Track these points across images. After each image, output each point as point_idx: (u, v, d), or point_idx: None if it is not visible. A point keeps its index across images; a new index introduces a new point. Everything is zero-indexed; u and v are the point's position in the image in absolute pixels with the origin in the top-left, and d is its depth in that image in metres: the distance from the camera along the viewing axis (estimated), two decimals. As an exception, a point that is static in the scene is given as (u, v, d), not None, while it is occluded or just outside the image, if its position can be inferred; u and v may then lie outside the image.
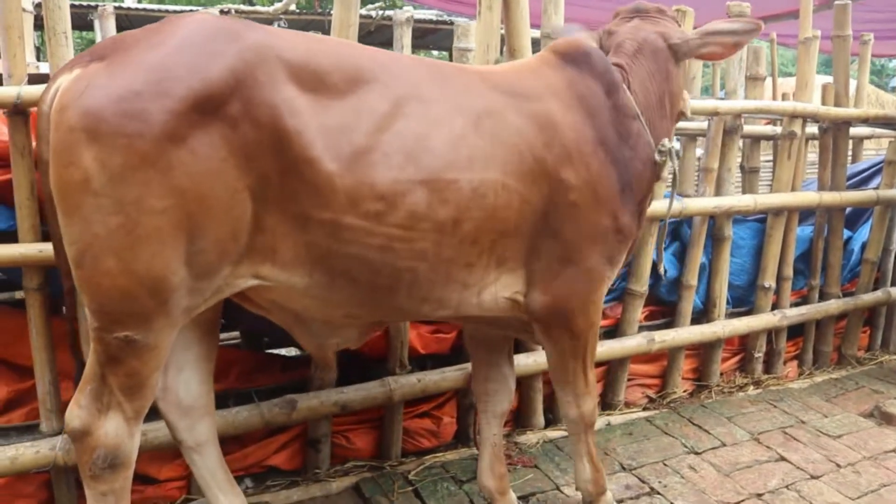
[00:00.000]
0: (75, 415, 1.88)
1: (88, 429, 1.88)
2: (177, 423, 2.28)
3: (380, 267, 1.99)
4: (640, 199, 2.44)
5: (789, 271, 4.20)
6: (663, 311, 3.96)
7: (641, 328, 3.79)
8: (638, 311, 3.69)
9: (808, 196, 4.10)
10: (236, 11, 10.09)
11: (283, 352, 3.48)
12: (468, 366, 3.21)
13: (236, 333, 3.55)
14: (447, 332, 3.28)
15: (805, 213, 4.37)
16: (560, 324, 2.34)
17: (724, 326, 3.93)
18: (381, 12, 11.04)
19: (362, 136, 1.89)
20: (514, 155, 2.11)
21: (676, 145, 2.55)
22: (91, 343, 1.84)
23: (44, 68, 2.86)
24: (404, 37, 3.26)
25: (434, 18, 11.57)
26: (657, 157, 2.43)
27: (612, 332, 3.70)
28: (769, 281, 4.10)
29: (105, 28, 2.92)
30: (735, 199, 3.82)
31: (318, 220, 1.88)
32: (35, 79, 2.43)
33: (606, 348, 3.57)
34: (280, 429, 3.02)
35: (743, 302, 4.21)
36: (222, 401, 2.91)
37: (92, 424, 1.88)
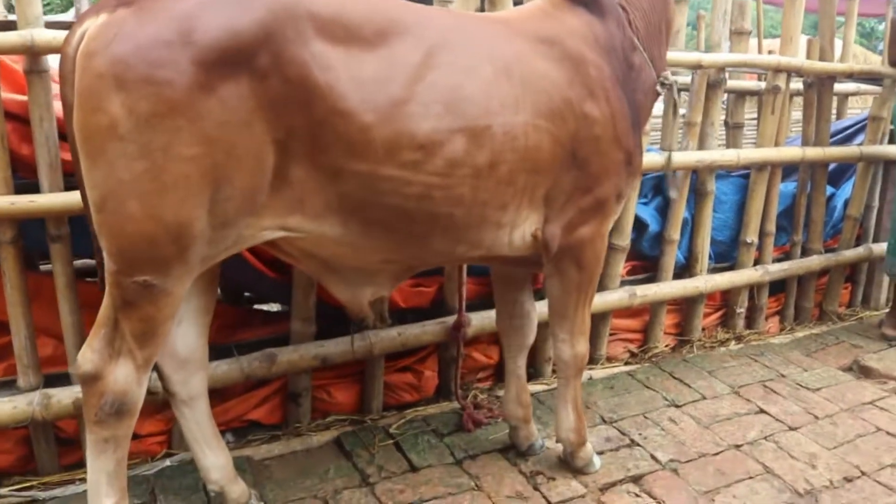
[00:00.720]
0: (87, 358, 1.89)
1: (99, 373, 1.89)
2: (171, 375, 2.27)
3: (416, 214, 2.04)
4: (642, 127, 2.55)
5: (772, 227, 4.20)
6: (645, 265, 3.96)
7: (623, 283, 3.79)
8: (620, 266, 3.69)
9: (792, 151, 4.08)
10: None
11: (264, 308, 3.48)
12: (449, 319, 3.23)
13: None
14: (428, 286, 3.28)
15: (788, 169, 4.36)
16: (570, 256, 2.41)
17: (706, 281, 3.94)
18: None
19: (398, 88, 1.91)
20: (542, 97, 2.17)
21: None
22: (107, 287, 1.85)
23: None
24: None
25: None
26: (658, 88, 2.55)
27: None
28: (752, 237, 4.10)
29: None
30: (718, 154, 3.81)
31: (352, 172, 1.91)
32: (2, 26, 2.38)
33: (588, 302, 3.55)
34: (260, 383, 3.03)
35: (725, 258, 4.21)
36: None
37: (103, 369, 1.89)
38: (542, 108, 2.17)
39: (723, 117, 4.10)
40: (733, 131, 4.16)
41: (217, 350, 2.94)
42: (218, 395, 2.91)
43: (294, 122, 1.82)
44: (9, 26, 2.36)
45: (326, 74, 1.83)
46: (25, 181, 2.53)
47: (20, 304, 2.55)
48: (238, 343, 3.02)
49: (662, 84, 2.54)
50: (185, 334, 2.27)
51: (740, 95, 4.16)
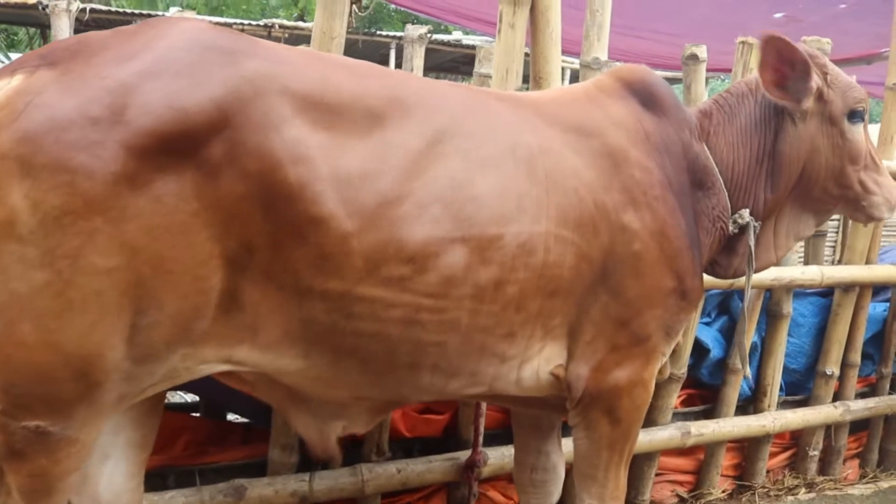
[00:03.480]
0: None
1: None
2: None
3: (399, 343, 1.68)
4: (704, 262, 2.11)
5: (856, 357, 3.58)
6: (703, 394, 3.38)
7: (676, 416, 3.22)
8: (673, 398, 3.13)
9: (887, 270, 3.48)
10: (280, 27, 9.81)
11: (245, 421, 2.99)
12: (461, 455, 2.71)
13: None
14: (439, 414, 2.77)
15: (878, 287, 3.75)
16: (601, 405, 1.97)
17: (774, 419, 3.33)
18: (430, 35, 10.65)
19: (389, 183, 1.58)
20: (571, 201, 1.81)
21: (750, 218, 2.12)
22: None
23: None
24: (415, 58, 2.76)
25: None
26: (730, 226, 2.10)
27: (641, 418, 3.13)
28: (832, 367, 3.48)
29: (57, 29, 2.46)
30: (797, 271, 3.23)
31: (321, 292, 1.56)
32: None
33: (632, 439, 3.00)
34: (227, 519, 2.52)
35: (799, 388, 3.61)
36: (160, 479, 2.45)
37: None
38: (568, 214, 1.79)
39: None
40: (814, 241, 3.57)
41: (179, 474, 2.50)
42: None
43: (251, 232, 1.48)
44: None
45: (299, 169, 1.49)
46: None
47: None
48: (206, 466, 2.54)
49: (734, 222, 2.09)
50: (112, 475, 1.82)
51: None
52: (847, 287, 3.42)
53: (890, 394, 3.77)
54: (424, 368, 1.74)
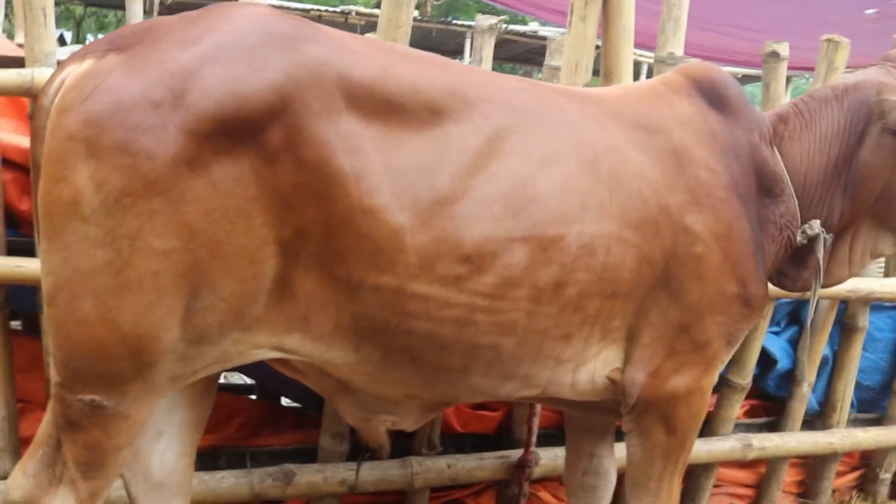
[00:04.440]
0: (18, 484, 1.53)
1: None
2: (140, 498, 1.85)
3: (453, 344, 1.64)
4: (769, 271, 2.02)
5: (934, 376, 3.38)
6: (768, 406, 3.24)
7: (738, 427, 3.09)
8: (735, 408, 3.00)
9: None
10: (357, 14, 9.86)
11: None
12: (513, 454, 2.67)
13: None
14: (494, 410, 2.73)
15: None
16: (657, 412, 1.90)
17: (843, 437, 3.17)
18: (504, 26, 10.58)
19: (446, 180, 1.55)
20: (634, 201, 1.75)
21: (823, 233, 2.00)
22: (50, 401, 1.53)
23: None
24: (485, 48, 2.71)
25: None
26: (798, 236, 1.99)
27: (701, 428, 3.02)
28: (908, 386, 3.30)
29: (131, 13, 2.47)
30: (876, 283, 3.06)
31: (373, 287, 1.54)
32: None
33: (690, 448, 2.91)
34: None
35: (872, 406, 3.42)
36: (211, 459, 2.48)
37: (35, 499, 1.52)
38: (631, 215, 1.73)
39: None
40: (897, 252, 3.40)
41: (230, 455, 2.52)
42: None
43: (306, 220, 1.47)
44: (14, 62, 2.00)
45: (354, 160, 1.48)
46: (24, 238, 2.19)
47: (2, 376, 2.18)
48: (257, 449, 2.56)
49: (803, 232, 1.98)
50: (164, 452, 1.85)
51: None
52: (929, 302, 3.24)
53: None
54: (477, 371, 1.70)
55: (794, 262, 2.07)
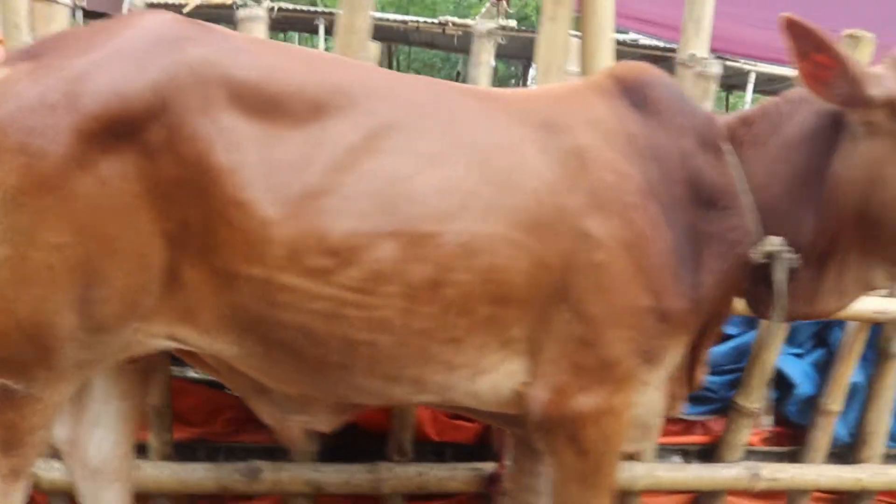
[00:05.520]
0: None
1: None
2: (80, 484, 1.97)
3: (326, 337, 1.63)
4: (712, 291, 1.80)
5: None
6: (792, 434, 2.99)
7: (755, 454, 2.87)
8: (744, 434, 2.77)
9: None
10: (454, 25, 9.97)
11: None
12: (486, 466, 2.57)
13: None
14: (470, 420, 2.64)
15: None
16: (564, 432, 1.78)
17: (874, 473, 2.87)
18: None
19: (317, 175, 1.56)
20: (528, 202, 1.66)
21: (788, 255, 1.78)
22: None
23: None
24: (482, 52, 2.66)
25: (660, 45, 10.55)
26: (754, 254, 1.78)
27: (710, 452, 2.83)
28: (957, 421, 2.96)
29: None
30: (913, 304, 2.76)
31: (246, 278, 1.57)
32: None
33: (693, 473, 2.75)
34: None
35: (917, 442, 3.09)
36: (190, 451, 2.55)
37: None
38: (522, 216, 1.64)
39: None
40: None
41: (210, 449, 2.61)
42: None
43: (188, 213, 1.53)
44: None
45: (231, 156, 1.52)
46: None
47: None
48: (237, 445, 2.62)
49: (760, 250, 1.77)
50: (100, 441, 1.95)
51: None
52: (981, 327, 2.89)
53: None
54: (359, 368, 1.68)
55: (765, 284, 1.82)
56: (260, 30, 2.44)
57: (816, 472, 2.84)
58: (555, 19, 2.31)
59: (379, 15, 12.01)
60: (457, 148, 1.64)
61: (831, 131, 1.73)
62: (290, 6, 10.54)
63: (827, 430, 2.86)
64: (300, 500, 2.55)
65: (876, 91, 1.62)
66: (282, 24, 11.26)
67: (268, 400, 1.87)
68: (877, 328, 2.83)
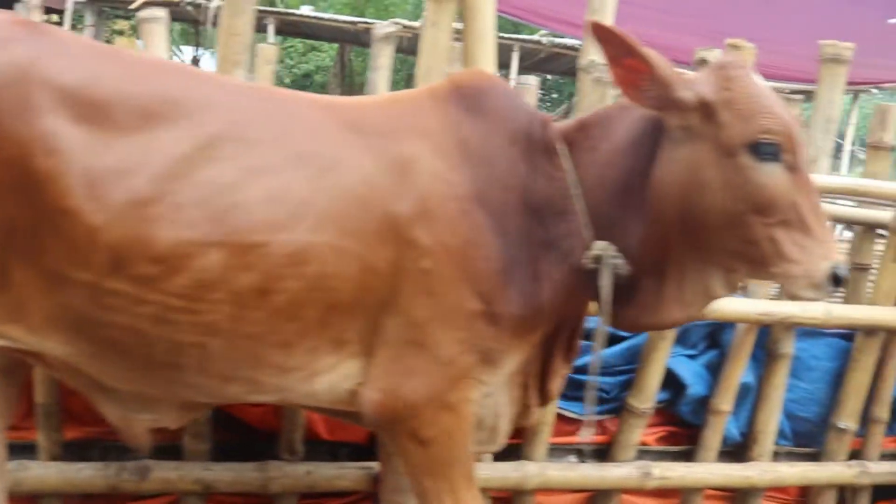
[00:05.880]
0: None
1: None
2: None
3: (154, 339, 1.68)
4: (552, 298, 1.84)
5: (883, 412, 3.08)
6: (689, 434, 3.05)
7: (649, 454, 2.93)
8: (635, 434, 2.83)
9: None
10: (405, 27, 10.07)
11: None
12: (376, 466, 2.59)
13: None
14: (361, 419, 2.68)
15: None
16: (403, 429, 1.84)
17: (763, 471, 2.94)
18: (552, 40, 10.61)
19: (143, 184, 1.59)
20: (357, 210, 1.71)
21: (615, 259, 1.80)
22: None
23: None
24: (380, 56, 2.71)
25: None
26: (585, 259, 1.80)
27: (605, 452, 2.89)
28: (846, 421, 3.02)
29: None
30: (797, 307, 2.80)
31: (73, 281, 1.62)
32: None
33: (584, 472, 2.79)
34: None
35: (811, 440, 3.16)
36: (84, 451, 2.55)
37: None
38: (351, 225, 1.69)
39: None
40: (854, 275, 3.14)
41: (104, 448, 2.58)
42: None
43: (13, 214, 1.57)
44: None
45: (53, 160, 1.55)
46: None
47: None
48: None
49: (588, 256, 1.79)
50: None
51: (869, 229, 3.14)
52: (869, 330, 2.97)
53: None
54: (189, 368, 1.72)
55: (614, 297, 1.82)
56: (160, 32, 2.45)
57: (706, 471, 2.91)
58: (437, 24, 2.35)
59: (330, 16, 12.08)
60: (287, 158, 1.68)
61: (653, 136, 1.77)
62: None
63: (718, 430, 2.92)
64: (192, 500, 2.57)
65: (686, 94, 1.67)
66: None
67: (111, 398, 1.88)
68: (766, 330, 2.91)
